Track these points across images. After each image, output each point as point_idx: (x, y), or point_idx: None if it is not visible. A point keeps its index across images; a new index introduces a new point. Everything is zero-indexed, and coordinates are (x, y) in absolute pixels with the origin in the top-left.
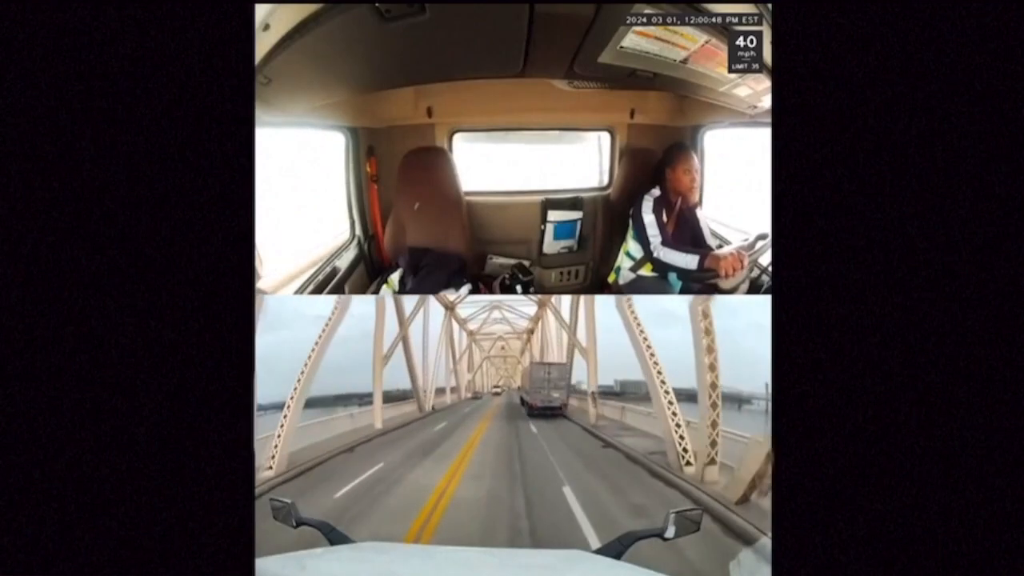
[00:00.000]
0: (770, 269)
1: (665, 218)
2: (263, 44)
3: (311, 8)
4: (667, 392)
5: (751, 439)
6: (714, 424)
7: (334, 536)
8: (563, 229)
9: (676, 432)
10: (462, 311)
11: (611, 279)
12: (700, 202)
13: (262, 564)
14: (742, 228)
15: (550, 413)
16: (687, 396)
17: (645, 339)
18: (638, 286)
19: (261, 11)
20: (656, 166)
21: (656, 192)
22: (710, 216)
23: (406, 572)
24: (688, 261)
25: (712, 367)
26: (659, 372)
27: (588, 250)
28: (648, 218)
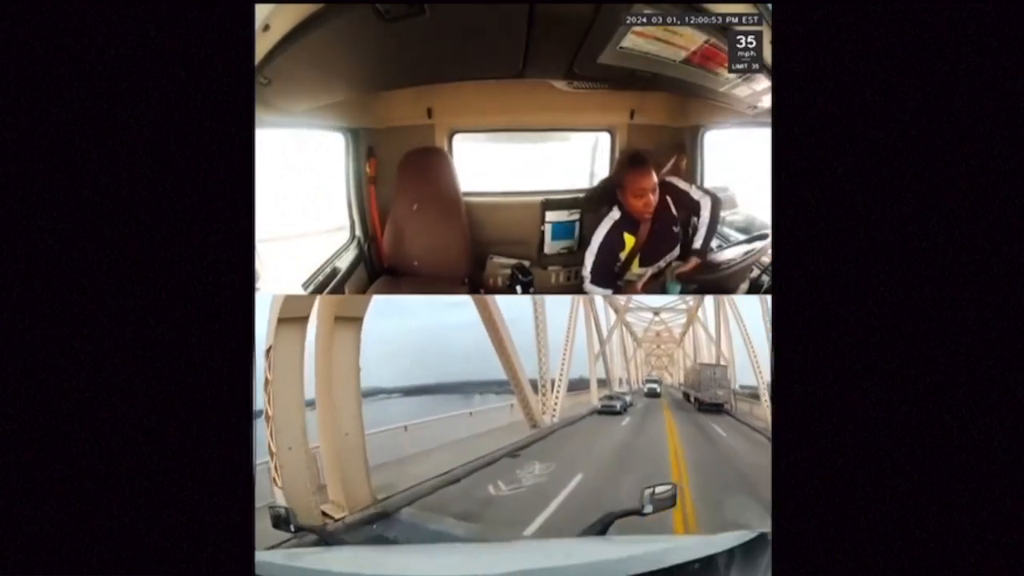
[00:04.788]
0: (770, 269)
1: (627, 244)
2: (263, 44)
3: (311, 8)
4: None
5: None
6: None
7: (331, 541)
8: (562, 229)
9: None
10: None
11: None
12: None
13: (262, 557)
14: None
15: (716, 409)
16: None
17: None
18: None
19: (261, 11)
20: (610, 180)
21: (616, 215)
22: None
23: (402, 569)
24: (607, 291)
25: None
26: None
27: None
28: (593, 245)
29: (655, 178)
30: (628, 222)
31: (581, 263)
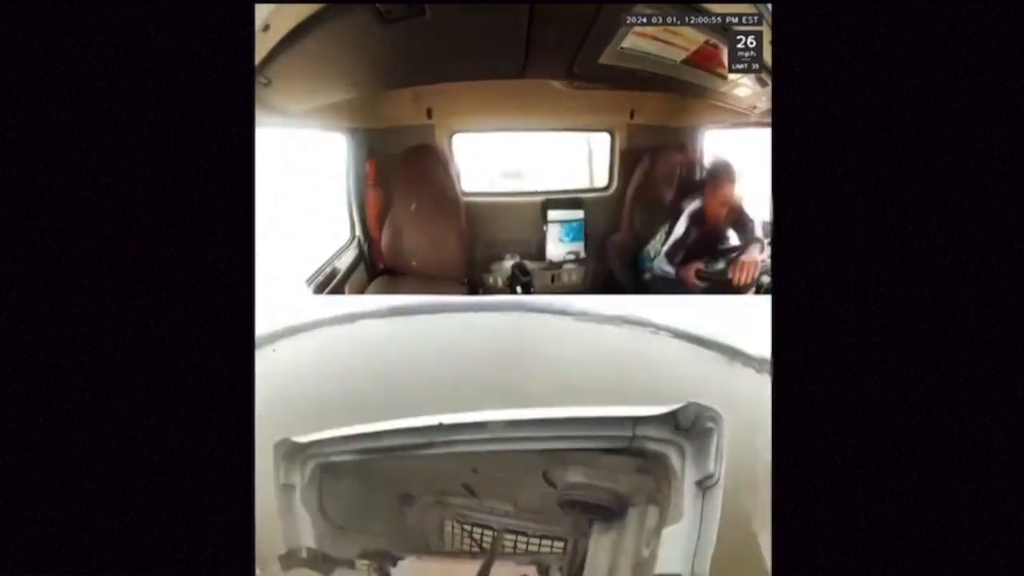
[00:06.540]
0: (770, 269)
1: (694, 234)
2: (263, 45)
3: (311, 9)
4: None
5: None
6: None
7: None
8: (566, 231)
9: None
10: None
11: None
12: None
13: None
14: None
15: None
16: None
17: None
18: (660, 282)
19: (261, 11)
20: (704, 178)
21: (697, 204)
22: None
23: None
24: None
25: None
26: None
27: (594, 256)
28: (679, 231)
29: (737, 196)
30: (698, 216)
31: (585, 265)
